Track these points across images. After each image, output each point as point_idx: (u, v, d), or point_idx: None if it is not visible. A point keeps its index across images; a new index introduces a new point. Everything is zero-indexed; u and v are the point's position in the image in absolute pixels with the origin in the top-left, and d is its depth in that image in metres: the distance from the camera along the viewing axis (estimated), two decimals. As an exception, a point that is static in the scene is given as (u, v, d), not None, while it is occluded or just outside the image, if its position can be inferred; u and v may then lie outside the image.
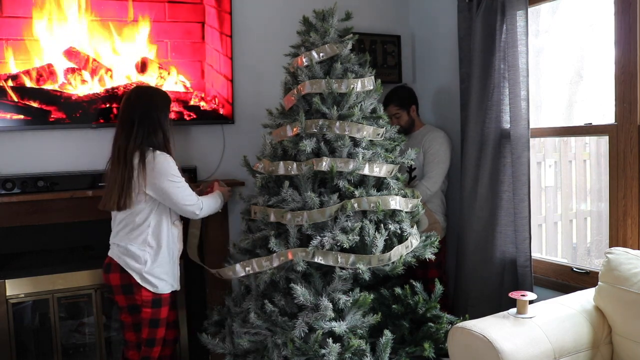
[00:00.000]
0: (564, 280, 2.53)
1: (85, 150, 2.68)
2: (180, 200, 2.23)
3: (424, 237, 2.36)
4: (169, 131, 2.27)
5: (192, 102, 2.80)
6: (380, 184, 2.30)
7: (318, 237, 2.11)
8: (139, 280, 2.22)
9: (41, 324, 2.72)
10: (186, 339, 2.84)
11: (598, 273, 2.01)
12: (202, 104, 2.82)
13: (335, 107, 2.23)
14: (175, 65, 2.75)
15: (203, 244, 2.78)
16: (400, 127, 2.91)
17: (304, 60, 2.32)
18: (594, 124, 2.40)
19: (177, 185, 2.21)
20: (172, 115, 2.74)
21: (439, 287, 2.32)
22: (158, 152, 2.20)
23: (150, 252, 2.23)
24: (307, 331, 2.02)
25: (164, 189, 2.19)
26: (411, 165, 2.87)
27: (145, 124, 2.20)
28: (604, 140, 2.39)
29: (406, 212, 2.30)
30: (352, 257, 2.09)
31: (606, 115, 2.45)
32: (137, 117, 2.20)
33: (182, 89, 2.77)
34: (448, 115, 3.15)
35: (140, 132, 2.19)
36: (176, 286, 2.34)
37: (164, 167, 2.18)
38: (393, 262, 2.15)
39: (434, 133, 2.92)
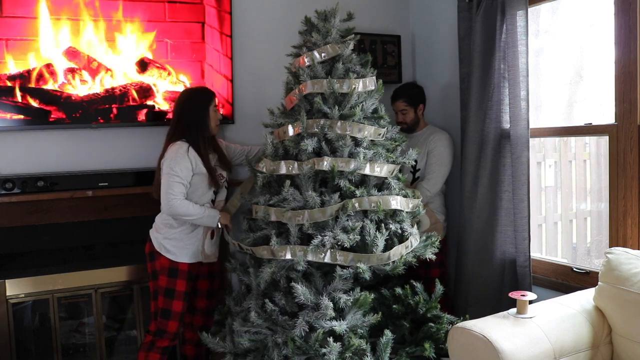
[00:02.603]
0: (564, 280, 2.54)
1: (85, 150, 2.68)
2: (163, 187, 2.36)
3: (424, 237, 2.36)
4: (205, 126, 2.45)
5: (192, 102, 2.79)
6: (381, 184, 2.30)
7: (319, 237, 2.11)
8: (156, 247, 2.42)
9: (41, 324, 2.72)
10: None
11: (598, 273, 2.01)
12: (203, 103, 2.81)
13: (336, 107, 2.23)
14: (175, 65, 2.75)
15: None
16: (405, 124, 2.91)
17: (305, 60, 2.33)
18: (594, 124, 2.41)
19: (170, 175, 2.34)
20: (171, 115, 2.71)
21: (439, 287, 2.32)
22: (179, 142, 2.39)
23: (169, 226, 2.41)
24: (307, 330, 2.02)
25: (162, 171, 2.37)
26: (415, 165, 2.87)
27: (182, 121, 2.44)
28: (604, 140, 2.39)
29: (407, 212, 2.30)
30: (350, 255, 2.09)
31: (606, 115, 2.45)
32: (176, 116, 2.47)
33: (182, 89, 2.76)
34: (448, 115, 3.15)
35: (179, 128, 2.43)
36: (200, 258, 2.48)
37: (171, 155, 2.36)
38: (394, 262, 2.15)
39: (439, 135, 2.90)
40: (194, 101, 2.47)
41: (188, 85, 2.78)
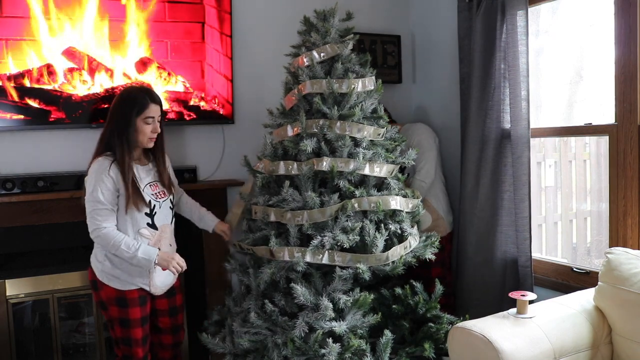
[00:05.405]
0: (564, 280, 2.53)
1: (85, 150, 2.65)
2: (87, 213, 2.09)
3: (424, 237, 2.36)
4: (129, 140, 2.10)
5: (192, 102, 2.79)
6: (380, 184, 2.30)
7: (318, 237, 2.11)
8: (98, 276, 2.14)
9: (41, 324, 2.72)
10: (187, 339, 2.83)
11: (598, 273, 2.01)
12: (202, 104, 2.82)
13: (336, 107, 2.23)
14: (175, 65, 2.75)
15: (203, 243, 2.79)
16: None
17: (304, 60, 2.32)
18: (594, 124, 2.40)
19: (92, 202, 2.06)
20: (171, 115, 2.74)
21: (439, 287, 2.32)
22: (102, 157, 2.09)
23: (106, 254, 2.14)
24: (307, 331, 2.02)
25: (85, 193, 2.11)
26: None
27: (108, 129, 2.13)
28: (604, 140, 2.39)
29: (407, 212, 2.30)
30: (348, 256, 2.09)
31: (606, 115, 2.45)
32: (106, 121, 2.14)
33: (182, 89, 2.77)
34: (448, 115, 3.15)
35: (105, 137, 2.12)
36: (148, 289, 2.17)
37: (91, 176, 2.08)
38: (393, 262, 2.15)
39: (413, 128, 2.94)
40: (121, 106, 2.12)
41: (188, 86, 2.78)
